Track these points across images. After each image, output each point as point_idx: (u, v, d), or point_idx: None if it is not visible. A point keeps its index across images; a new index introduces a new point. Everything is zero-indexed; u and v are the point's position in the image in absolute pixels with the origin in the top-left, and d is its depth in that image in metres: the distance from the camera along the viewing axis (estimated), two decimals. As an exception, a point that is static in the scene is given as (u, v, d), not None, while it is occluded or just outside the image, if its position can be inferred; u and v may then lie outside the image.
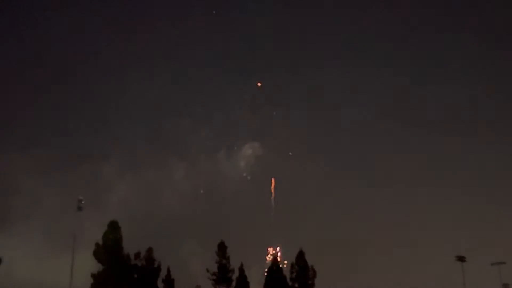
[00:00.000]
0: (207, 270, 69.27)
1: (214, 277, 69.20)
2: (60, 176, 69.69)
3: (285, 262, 76.94)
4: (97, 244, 63.67)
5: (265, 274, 71.87)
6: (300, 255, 72.35)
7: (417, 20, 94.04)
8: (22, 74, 77.64)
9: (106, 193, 64.59)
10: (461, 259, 68.08)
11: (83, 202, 59.47)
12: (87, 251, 60.32)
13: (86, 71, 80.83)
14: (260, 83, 77.46)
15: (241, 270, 70.46)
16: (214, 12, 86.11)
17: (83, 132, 78.68)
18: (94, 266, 61.91)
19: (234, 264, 70.21)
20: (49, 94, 78.80)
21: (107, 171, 71.09)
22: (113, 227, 65.20)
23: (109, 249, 63.77)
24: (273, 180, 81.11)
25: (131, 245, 65.71)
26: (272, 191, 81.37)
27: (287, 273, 71.94)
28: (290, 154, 76.47)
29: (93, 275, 62.34)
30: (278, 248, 76.49)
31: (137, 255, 66.46)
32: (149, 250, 66.95)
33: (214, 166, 79.04)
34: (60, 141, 76.36)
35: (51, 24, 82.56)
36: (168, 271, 68.05)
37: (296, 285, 71.49)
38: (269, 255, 75.71)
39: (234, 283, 70.01)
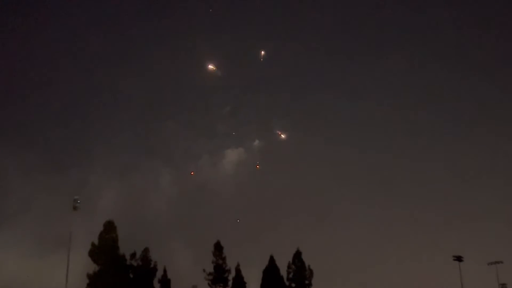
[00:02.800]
0: (204, 270, 69.13)
1: (211, 277, 69.06)
2: (50, 179, 69.79)
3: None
4: (93, 244, 63.49)
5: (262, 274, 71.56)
6: (297, 255, 72.26)
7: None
8: (10, 75, 78.02)
9: (94, 196, 63.97)
10: (458, 258, 67.87)
11: (79, 202, 59.17)
12: (77, 252, 59.81)
13: (74, 73, 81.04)
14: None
15: (238, 270, 70.36)
16: (210, 10, 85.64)
17: (71, 135, 78.92)
18: (85, 267, 61.47)
19: (231, 264, 70.36)
20: (38, 96, 79.01)
21: (94, 175, 71.32)
22: (109, 227, 65.10)
23: (105, 249, 63.57)
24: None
25: (126, 246, 65.54)
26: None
27: (284, 273, 71.91)
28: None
29: (88, 275, 62.16)
30: None
31: (133, 255, 66.27)
32: (145, 250, 66.76)
33: (200, 169, 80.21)
34: (49, 144, 76.53)
35: (37, 25, 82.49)
36: (164, 271, 67.91)
37: (293, 285, 71.22)
38: None
39: (230, 283, 69.90)
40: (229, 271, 69.87)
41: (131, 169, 76.49)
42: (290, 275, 71.52)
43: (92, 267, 62.49)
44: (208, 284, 68.89)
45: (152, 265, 66.85)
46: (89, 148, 77.24)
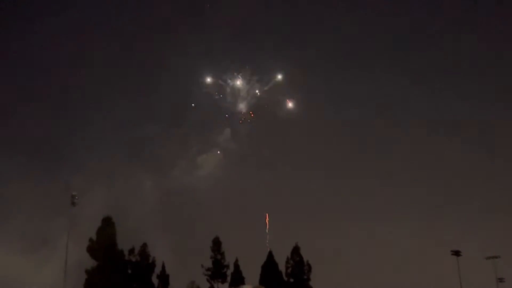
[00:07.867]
0: (202, 266, 69.18)
1: (209, 273, 69.12)
2: (38, 180, 69.78)
3: None
4: (90, 240, 63.21)
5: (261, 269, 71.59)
6: (295, 250, 72.30)
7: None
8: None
9: (80, 197, 63.12)
10: (456, 253, 67.97)
11: (77, 198, 58.82)
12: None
13: (61, 79, 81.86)
14: None
15: (236, 265, 70.39)
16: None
17: (59, 139, 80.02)
18: (75, 264, 60.70)
19: (229, 259, 70.41)
20: (28, 101, 79.90)
21: (79, 177, 71.43)
22: (107, 222, 64.83)
23: (103, 244, 63.31)
24: None
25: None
26: None
27: (282, 268, 71.98)
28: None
29: (87, 271, 61.93)
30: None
31: (132, 250, 66.23)
32: (144, 246, 66.77)
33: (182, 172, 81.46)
34: (39, 147, 77.50)
35: (27, 28, 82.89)
36: (163, 266, 67.97)
37: (292, 280, 71.40)
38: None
39: (229, 279, 69.96)
40: (227, 266, 70.04)
41: (115, 172, 77.35)
42: (289, 270, 71.66)
43: (82, 264, 61.78)
44: (207, 279, 69.09)
45: (150, 261, 66.93)
46: (76, 152, 77.77)
